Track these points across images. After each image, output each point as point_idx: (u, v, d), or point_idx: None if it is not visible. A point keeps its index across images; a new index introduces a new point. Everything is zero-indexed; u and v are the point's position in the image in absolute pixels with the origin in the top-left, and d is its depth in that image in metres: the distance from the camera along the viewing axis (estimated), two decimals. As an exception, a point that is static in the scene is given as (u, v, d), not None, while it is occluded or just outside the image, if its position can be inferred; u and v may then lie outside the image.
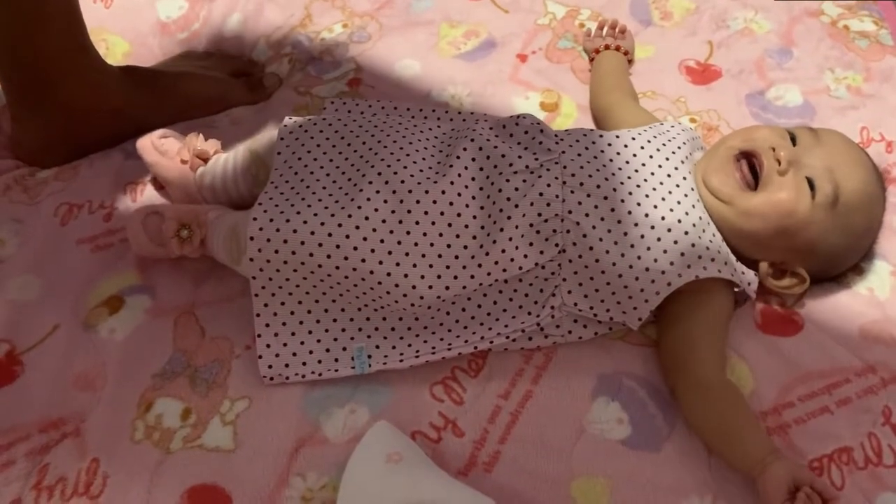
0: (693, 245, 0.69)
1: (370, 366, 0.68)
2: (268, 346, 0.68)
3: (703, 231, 0.70)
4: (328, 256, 0.65)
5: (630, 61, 0.94)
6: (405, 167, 0.69)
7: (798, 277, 0.73)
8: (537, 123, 0.73)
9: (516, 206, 0.68)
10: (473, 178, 0.70)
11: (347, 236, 0.65)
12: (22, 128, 0.85)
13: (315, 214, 0.66)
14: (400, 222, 0.67)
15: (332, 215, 0.66)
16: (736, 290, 0.71)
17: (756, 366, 0.71)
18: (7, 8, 0.73)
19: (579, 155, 0.71)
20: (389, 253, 0.66)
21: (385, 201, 0.67)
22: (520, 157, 0.70)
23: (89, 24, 0.95)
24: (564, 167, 0.70)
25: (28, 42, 0.76)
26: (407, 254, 0.66)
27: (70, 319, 0.74)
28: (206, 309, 0.74)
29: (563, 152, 0.71)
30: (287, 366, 0.68)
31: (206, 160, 0.78)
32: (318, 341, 0.69)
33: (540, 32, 0.98)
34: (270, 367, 0.68)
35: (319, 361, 0.69)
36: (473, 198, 0.69)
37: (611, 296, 0.69)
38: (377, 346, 0.69)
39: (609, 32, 0.94)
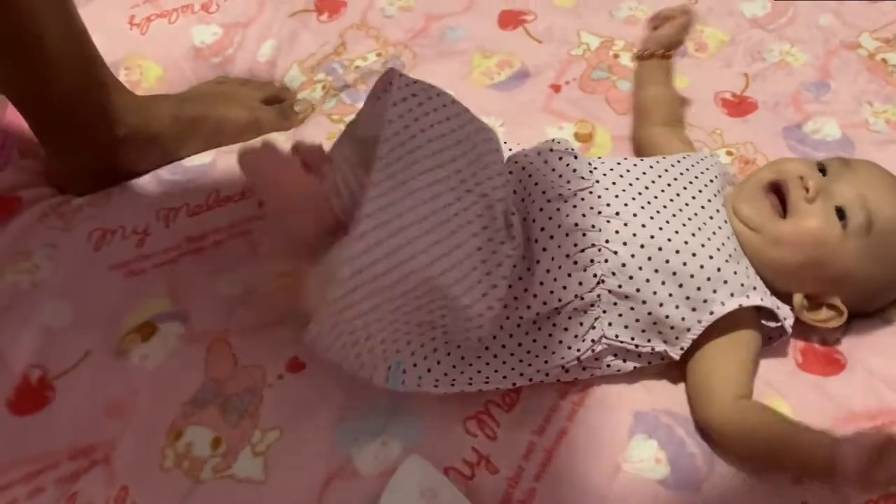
0: (735, 273, 0.68)
1: (403, 382, 0.66)
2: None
3: (739, 262, 0.69)
4: (412, 272, 0.59)
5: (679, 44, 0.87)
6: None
7: (835, 310, 0.71)
8: (571, 150, 0.73)
9: (551, 236, 0.67)
10: (512, 213, 0.69)
11: (443, 255, 0.60)
12: (53, 159, 0.85)
13: (411, 240, 0.59)
14: (479, 249, 0.64)
15: (426, 233, 0.60)
16: (772, 325, 0.70)
17: (798, 406, 0.69)
18: (14, 60, 0.73)
19: (614, 184, 0.71)
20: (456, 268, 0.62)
21: (474, 235, 0.63)
22: (552, 183, 0.69)
23: (125, 49, 0.97)
24: (599, 196, 0.69)
25: (44, 89, 0.76)
26: (479, 281, 0.63)
27: (102, 345, 0.73)
28: (239, 336, 0.73)
29: (598, 181, 0.70)
30: (328, 349, 0.62)
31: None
32: (367, 338, 0.63)
33: (574, 63, 0.98)
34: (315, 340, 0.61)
35: (358, 356, 0.63)
36: (511, 226, 0.68)
37: (652, 326, 0.68)
38: (414, 365, 0.67)
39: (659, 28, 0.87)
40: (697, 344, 0.68)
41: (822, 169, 0.72)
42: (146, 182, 0.86)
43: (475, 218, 0.63)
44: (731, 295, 0.67)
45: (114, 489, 0.65)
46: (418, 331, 0.66)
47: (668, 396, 0.70)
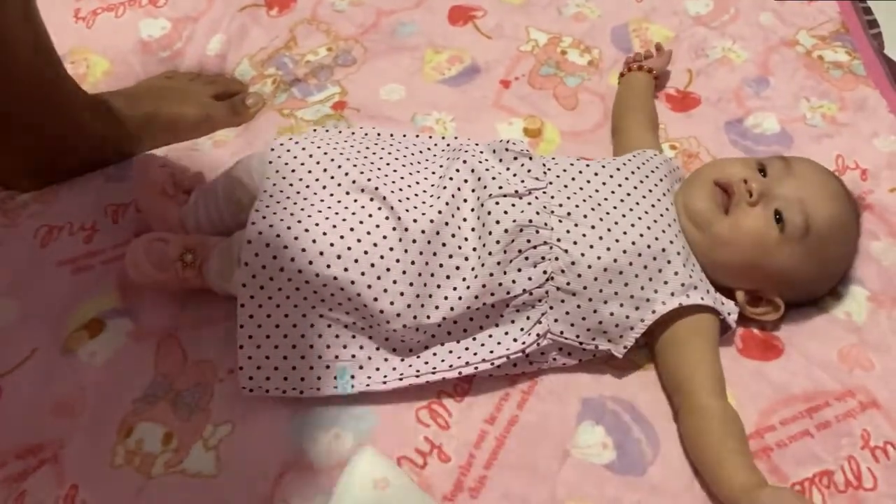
0: (676, 273, 0.70)
1: (353, 386, 0.68)
2: (249, 357, 0.66)
3: (686, 260, 0.72)
4: (317, 275, 0.65)
5: (657, 81, 0.95)
6: (401, 189, 0.69)
7: (772, 305, 0.74)
8: (526, 151, 0.74)
9: (505, 230, 0.68)
10: (465, 200, 0.70)
11: (339, 256, 0.65)
12: None
13: (306, 230, 0.65)
14: (391, 249, 0.67)
15: (324, 234, 0.66)
16: (719, 318, 0.72)
17: (738, 390, 0.72)
18: None
19: (566, 186, 0.72)
20: (378, 278, 0.66)
21: (378, 226, 0.67)
22: (508, 181, 0.71)
23: (71, 43, 0.96)
24: (552, 197, 0.71)
25: (6, 98, 0.74)
26: (395, 281, 0.66)
27: (49, 343, 0.72)
28: (188, 332, 0.73)
29: (551, 182, 0.72)
30: (268, 379, 0.67)
31: (188, 192, 0.77)
32: (302, 357, 0.67)
33: (523, 59, 0.99)
34: (251, 378, 0.67)
35: (302, 379, 0.67)
36: (465, 220, 0.70)
37: (598, 325, 0.69)
38: (361, 367, 0.68)
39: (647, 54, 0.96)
40: (661, 332, 0.70)
41: (762, 169, 0.75)
42: (94, 178, 0.85)
43: (376, 212, 0.67)
44: (672, 294, 0.70)
45: (63, 488, 0.64)
46: (348, 332, 0.68)
47: (614, 383, 0.72)
